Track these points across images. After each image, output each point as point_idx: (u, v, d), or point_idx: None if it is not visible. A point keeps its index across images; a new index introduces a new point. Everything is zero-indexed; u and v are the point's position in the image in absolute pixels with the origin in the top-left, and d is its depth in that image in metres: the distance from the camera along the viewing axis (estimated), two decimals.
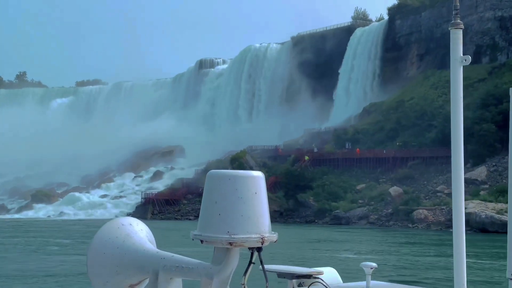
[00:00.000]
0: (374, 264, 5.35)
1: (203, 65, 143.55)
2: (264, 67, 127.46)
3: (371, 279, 5.38)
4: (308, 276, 5.14)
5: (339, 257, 38.07)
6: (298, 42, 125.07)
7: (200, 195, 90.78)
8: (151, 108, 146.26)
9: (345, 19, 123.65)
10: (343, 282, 5.64)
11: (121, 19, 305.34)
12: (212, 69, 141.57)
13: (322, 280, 5.09)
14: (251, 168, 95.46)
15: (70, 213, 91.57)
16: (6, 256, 39.16)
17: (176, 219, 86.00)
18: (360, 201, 75.64)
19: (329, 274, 5.39)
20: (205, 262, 3.11)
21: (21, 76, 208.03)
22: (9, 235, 57.44)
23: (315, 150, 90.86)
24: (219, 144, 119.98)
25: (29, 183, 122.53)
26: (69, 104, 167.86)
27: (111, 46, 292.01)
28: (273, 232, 3.04)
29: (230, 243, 2.91)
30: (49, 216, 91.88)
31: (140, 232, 3.37)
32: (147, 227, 3.48)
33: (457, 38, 4.42)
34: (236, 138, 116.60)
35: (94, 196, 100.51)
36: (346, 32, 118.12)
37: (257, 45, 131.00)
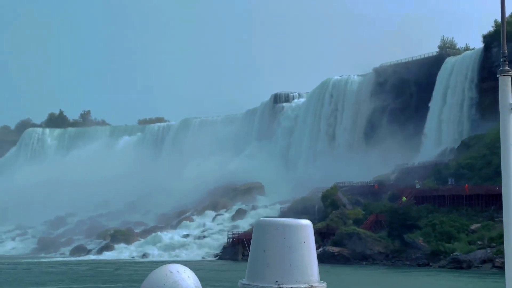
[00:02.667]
0: None
1: (278, 99, 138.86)
2: (345, 100, 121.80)
3: None
4: None
5: None
6: (381, 73, 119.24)
7: None
8: (221, 145, 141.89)
9: (428, 49, 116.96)
10: None
11: (181, 59, 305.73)
12: (288, 104, 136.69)
13: None
14: (344, 206, 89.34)
15: (154, 253, 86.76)
16: None
17: None
18: (479, 242, 68.31)
19: None
20: None
21: (85, 115, 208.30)
22: (115, 279, 52.55)
23: (417, 186, 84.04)
24: (299, 181, 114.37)
25: (104, 222, 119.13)
26: (136, 141, 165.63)
27: (173, 84, 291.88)
28: (321, 281, 2.99)
29: None
30: (132, 257, 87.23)
31: (187, 279, 3.31)
32: (194, 274, 3.40)
33: (505, 85, 4.34)
34: (318, 175, 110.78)
35: (175, 236, 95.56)
36: (434, 62, 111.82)
37: (337, 77, 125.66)
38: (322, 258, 76.26)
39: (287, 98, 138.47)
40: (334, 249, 75.29)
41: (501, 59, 4.28)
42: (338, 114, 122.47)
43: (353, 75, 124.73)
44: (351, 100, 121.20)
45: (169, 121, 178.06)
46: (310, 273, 3.01)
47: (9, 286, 47.91)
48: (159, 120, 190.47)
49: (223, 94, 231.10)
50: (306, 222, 3.15)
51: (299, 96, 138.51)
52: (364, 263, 72.93)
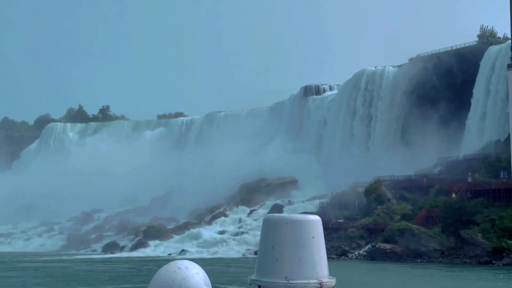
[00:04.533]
0: None
1: (308, 91, 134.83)
2: (381, 92, 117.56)
3: None
4: None
5: None
6: (418, 64, 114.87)
7: (332, 229, 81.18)
8: (248, 139, 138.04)
9: (467, 39, 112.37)
10: None
11: (206, 51, 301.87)
12: (319, 96, 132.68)
13: None
14: (389, 201, 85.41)
15: (192, 250, 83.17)
16: None
17: None
18: None
19: None
20: None
21: (104, 110, 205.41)
22: None
23: (470, 179, 79.85)
24: (334, 175, 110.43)
25: (132, 218, 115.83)
26: (159, 136, 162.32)
27: (193, 79, 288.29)
28: (331, 277, 2.93)
29: None
30: (169, 254, 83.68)
31: (196, 275, 3.33)
32: (203, 270, 3.43)
33: None
34: (353, 169, 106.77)
35: (211, 232, 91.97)
36: (475, 51, 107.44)
37: (372, 68, 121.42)
38: (373, 256, 72.52)
39: (318, 91, 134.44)
40: (385, 246, 71.40)
41: (510, 54, 3.93)
42: (373, 106, 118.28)
43: (389, 66, 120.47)
44: (387, 92, 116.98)
45: (188, 116, 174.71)
46: (320, 269, 2.91)
47: (63, 286, 44.53)
48: (179, 115, 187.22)
49: (246, 88, 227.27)
50: (315, 218, 3.05)
51: (330, 88, 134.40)
52: (419, 260, 68.98)
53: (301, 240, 2.97)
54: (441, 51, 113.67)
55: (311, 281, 2.94)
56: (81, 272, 58.74)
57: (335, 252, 75.02)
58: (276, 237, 2.99)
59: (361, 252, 74.79)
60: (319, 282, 2.94)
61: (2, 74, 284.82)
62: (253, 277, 3.07)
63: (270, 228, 3.03)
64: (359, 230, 78.97)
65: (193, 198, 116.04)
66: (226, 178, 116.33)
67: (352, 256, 74.47)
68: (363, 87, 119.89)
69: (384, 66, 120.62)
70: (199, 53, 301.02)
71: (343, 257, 74.23)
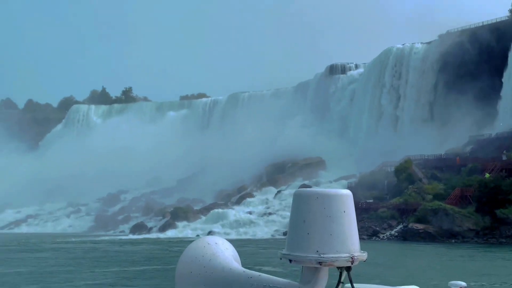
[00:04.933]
0: (463, 283, 5.23)
1: (334, 70, 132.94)
2: (409, 70, 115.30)
3: None
4: None
5: None
6: (448, 40, 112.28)
7: (363, 209, 79.91)
8: (272, 119, 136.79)
9: (497, 14, 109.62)
10: None
11: (227, 31, 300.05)
12: (345, 75, 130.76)
13: None
14: (421, 181, 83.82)
15: (220, 231, 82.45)
16: None
17: None
18: None
19: None
20: (293, 282, 3.04)
21: (127, 92, 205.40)
22: None
23: (504, 158, 77.94)
24: (361, 155, 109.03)
25: (158, 199, 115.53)
26: (183, 117, 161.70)
27: (215, 59, 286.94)
28: (362, 251, 2.95)
29: (320, 263, 2.87)
30: (197, 235, 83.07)
31: (225, 251, 3.34)
32: (232, 246, 3.43)
33: None
34: (381, 148, 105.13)
35: (239, 213, 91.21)
36: (507, 26, 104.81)
37: (399, 45, 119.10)
38: (405, 236, 71.22)
39: (344, 69, 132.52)
40: (418, 226, 70.00)
41: None
42: (401, 84, 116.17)
43: (417, 43, 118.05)
44: (416, 70, 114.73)
45: (210, 97, 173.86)
46: (351, 243, 2.87)
47: (95, 267, 43.94)
48: (201, 96, 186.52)
49: (270, 68, 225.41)
50: (347, 192, 2.95)
51: (356, 67, 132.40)
52: (453, 241, 67.55)
53: (332, 214, 2.89)
54: (471, 26, 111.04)
55: (343, 255, 2.88)
56: (112, 253, 58.29)
57: (366, 233, 73.82)
58: (306, 211, 2.93)
59: (392, 232, 73.52)
60: (351, 256, 2.88)
61: (26, 56, 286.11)
62: (284, 251, 3.00)
63: (300, 202, 2.96)
64: (390, 210, 77.62)
65: (218, 179, 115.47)
66: (252, 159, 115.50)
67: (383, 236, 73.24)
68: (391, 65, 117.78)
69: (413, 43, 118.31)
70: (221, 33, 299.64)
71: (374, 237, 73.04)
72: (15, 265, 45.98)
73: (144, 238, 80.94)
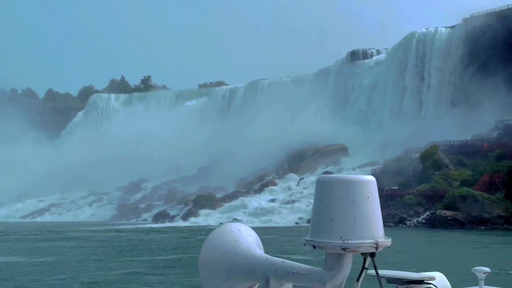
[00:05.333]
0: (487, 269, 5.24)
1: (356, 56, 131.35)
2: (433, 55, 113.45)
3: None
4: (420, 282, 4.83)
5: None
6: (472, 24, 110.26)
7: (388, 196, 78.85)
8: (293, 106, 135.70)
9: None
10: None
11: (245, 18, 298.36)
12: (367, 61, 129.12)
13: (435, 286, 4.89)
14: (447, 167, 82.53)
15: (243, 219, 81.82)
16: None
17: None
18: None
19: (438, 279, 4.99)
20: (316, 268, 3.04)
21: (146, 80, 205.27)
22: None
23: None
24: (384, 141, 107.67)
25: (180, 187, 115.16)
26: (203, 105, 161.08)
27: (233, 47, 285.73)
28: (386, 237, 2.94)
29: (344, 249, 2.87)
30: (221, 223, 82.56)
31: (248, 237, 3.36)
32: (255, 233, 3.44)
33: None
34: (404, 135, 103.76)
35: (261, 201, 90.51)
36: None
37: (423, 30, 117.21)
38: (433, 223, 70.13)
39: (365, 55, 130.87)
40: (446, 213, 68.87)
41: None
42: (425, 70, 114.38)
43: (441, 27, 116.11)
44: (440, 54, 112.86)
45: (229, 85, 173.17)
46: (375, 229, 2.87)
47: (128, 254, 43.51)
48: (220, 84, 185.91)
49: (289, 55, 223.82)
50: (370, 178, 2.96)
51: (378, 52, 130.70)
52: (482, 227, 66.35)
53: (356, 200, 2.88)
54: (496, 9, 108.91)
55: (367, 241, 2.86)
56: (137, 241, 57.91)
57: (392, 220, 72.83)
58: (330, 197, 2.91)
59: (419, 219, 72.45)
60: (375, 242, 2.86)
61: (45, 47, 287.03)
62: (308, 237, 2.98)
63: (324, 188, 2.94)
64: (416, 197, 76.51)
65: (239, 167, 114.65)
66: (272, 147, 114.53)
67: (410, 223, 72.20)
68: (414, 50, 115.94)
69: (436, 27, 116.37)
70: (240, 21, 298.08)
71: (400, 225, 72.04)
72: (42, 254, 45.69)
73: (168, 227, 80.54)
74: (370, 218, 2.90)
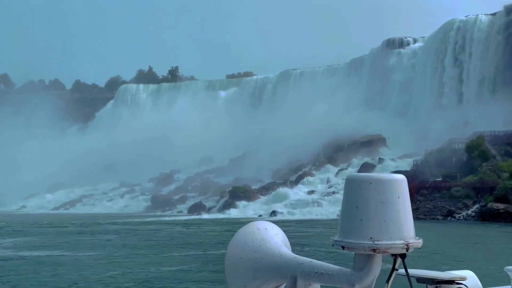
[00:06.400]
0: None
1: (392, 44, 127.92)
2: (473, 43, 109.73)
3: None
4: (450, 282, 4.75)
5: None
6: None
7: (433, 189, 75.95)
8: (326, 96, 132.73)
9: None
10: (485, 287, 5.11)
11: (273, 8, 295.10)
12: (403, 49, 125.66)
13: (466, 286, 4.76)
14: (494, 158, 79.31)
15: (284, 212, 79.50)
16: None
17: (419, 218, 71.12)
18: None
19: (469, 278, 4.87)
20: (345, 268, 2.99)
21: (173, 71, 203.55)
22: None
23: None
24: (423, 132, 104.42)
25: (213, 178, 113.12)
26: (234, 95, 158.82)
27: (262, 37, 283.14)
28: (417, 237, 2.88)
29: (373, 250, 2.81)
30: (260, 215, 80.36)
31: (275, 236, 3.31)
32: (282, 231, 3.39)
33: None
34: (444, 125, 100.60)
35: (300, 192, 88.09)
36: None
37: (462, 17, 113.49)
38: (484, 216, 67.12)
39: (401, 43, 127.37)
40: (498, 205, 65.87)
41: None
42: (465, 58, 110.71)
43: (481, 14, 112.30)
44: (481, 42, 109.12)
45: (257, 75, 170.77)
46: (406, 229, 2.80)
47: (175, 248, 41.43)
48: (248, 74, 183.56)
49: (319, 44, 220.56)
50: (401, 177, 2.88)
51: (415, 41, 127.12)
52: None
53: (386, 200, 2.80)
54: None
55: (398, 242, 2.76)
56: (178, 234, 55.91)
57: (440, 213, 70.02)
58: (360, 197, 2.83)
59: (469, 212, 69.51)
60: (406, 243, 2.80)
61: (72, 37, 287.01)
62: (336, 237, 2.92)
63: (353, 188, 2.87)
64: (464, 189, 73.44)
65: (273, 158, 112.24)
66: (306, 138, 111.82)
67: (459, 217, 69.22)
68: (454, 38, 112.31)
69: (476, 15, 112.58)
70: (268, 10, 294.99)
71: (449, 218, 69.12)
72: (85, 248, 43.80)
73: (207, 219, 78.40)
74: (400, 219, 2.78)
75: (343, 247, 2.87)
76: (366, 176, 2.86)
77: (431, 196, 75.10)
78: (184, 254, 39.61)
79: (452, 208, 70.59)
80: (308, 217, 76.85)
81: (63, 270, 33.15)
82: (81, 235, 54.76)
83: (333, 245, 2.94)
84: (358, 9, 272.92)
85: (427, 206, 73.07)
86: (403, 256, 2.85)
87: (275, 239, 3.28)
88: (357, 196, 2.84)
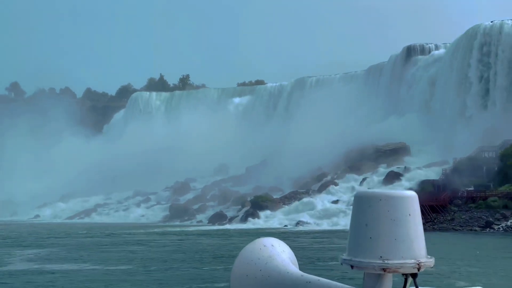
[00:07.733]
0: None
1: (412, 51, 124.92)
2: (499, 49, 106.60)
3: None
4: None
5: None
6: None
7: (468, 198, 72.76)
8: (343, 104, 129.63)
9: None
10: None
11: (287, 13, 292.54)
12: (424, 56, 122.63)
13: None
14: None
15: (310, 222, 76.37)
16: None
17: (455, 230, 67.85)
18: None
19: None
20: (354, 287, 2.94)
21: (184, 79, 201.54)
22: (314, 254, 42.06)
23: None
24: (449, 140, 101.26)
25: (231, 187, 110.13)
26: (248, 103, 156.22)
27: (273, 45, 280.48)
28: (429, 256, 2.80)
29: (384, 269, 2.72)
30: (285, 226, 77.21)
31: (282, 253, 3.23)
32: (289, 248, 3.32)
33: None
34: (470, 133, 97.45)
35: (324, 201, 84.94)
36: None
37: (488, 23, 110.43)
38: None
39: (423, 50, 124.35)
40: None
41: None
42: (491, 65, 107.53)
43: (508, 19, 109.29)
44: (507, 49, 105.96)
45: (267, 83, 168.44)
46: (417, 248, 2.72)
47: (205, 261, 38.37)
48: (259, 82, 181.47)
49: (335, 51, 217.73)
50: (412, 194, 2.78)
51: (436, 47, 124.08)
52: None
53: (396, 218, 2.69)
54: None
55: (409, 261, 2.67)
56: (205, 246, 52.89)
57: (477, 224, 66.73)
58: (369, 215, 2.70)
59: (508, 223, 66.19)
60: (417, 262, 2.71)
61: (83, 45, 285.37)
62: (345, 256, 2.81)
63: (362, 205, 2.74)
64: (501, 199, 70.20)
65: (292, 166, 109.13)
66: (326, 146, 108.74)
67: (498, 228, 65.95)
68: (479, 44, 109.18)
69: (502, 20, 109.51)
70: (281, 16, 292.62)
71: (488, 229, 65.82)
72: (114, 260, 40.80)
73: (230, 229, 75.32)
74: (411, 237, 2.70)
75: (352, 266, 2.73)
76: (376, 192, 2.73)
77: (466, 206, 71.89)
78: (214, 268, 36.56)
79: (490, 219, 67.33)
80: (335, 227, 73.69)
81: (105, 285, 30.15)
82: (106, 246, 51.82)
83: (341, 264, 2.78)
84: (376, 15, 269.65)
85: (462, 217, 69.77)
86: (414, 275, 2.71)
87: (282, 256, 3.13)
88: (366, 213, 2.71)
